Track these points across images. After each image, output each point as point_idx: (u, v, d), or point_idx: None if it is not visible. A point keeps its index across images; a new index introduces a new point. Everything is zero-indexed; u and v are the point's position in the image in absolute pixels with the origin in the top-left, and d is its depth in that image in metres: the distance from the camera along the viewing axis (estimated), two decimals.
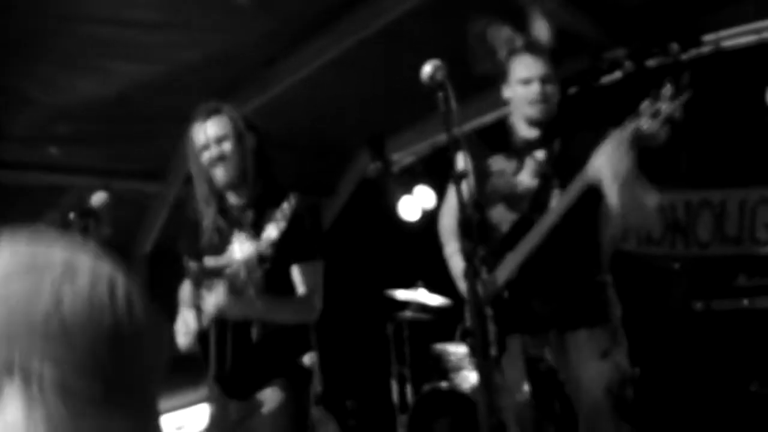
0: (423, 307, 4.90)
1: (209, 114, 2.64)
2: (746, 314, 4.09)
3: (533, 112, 2.73)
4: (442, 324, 4.81)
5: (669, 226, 4.69)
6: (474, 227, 2.12)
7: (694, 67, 3.96)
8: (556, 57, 2.77)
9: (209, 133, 2.62)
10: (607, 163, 2.45)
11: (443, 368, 4.53)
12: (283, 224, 2.32)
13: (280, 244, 2.41)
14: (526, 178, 2.76)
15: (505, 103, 2.87)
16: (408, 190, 5.70)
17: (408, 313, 4.94)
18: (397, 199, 5.71)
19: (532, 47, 2.74)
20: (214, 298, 2.44)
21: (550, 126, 2.76)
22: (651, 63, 4.21)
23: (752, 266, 4.24)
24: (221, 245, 2.63)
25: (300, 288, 2.61)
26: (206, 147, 2.63)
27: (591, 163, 2.50)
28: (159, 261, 5.36)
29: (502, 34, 2.79)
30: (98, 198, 2.74)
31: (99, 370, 0.69)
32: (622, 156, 2.42)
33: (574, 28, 4.02)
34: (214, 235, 2.67)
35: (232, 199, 2.70)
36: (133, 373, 0.73)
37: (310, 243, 2.63)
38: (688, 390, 4.08)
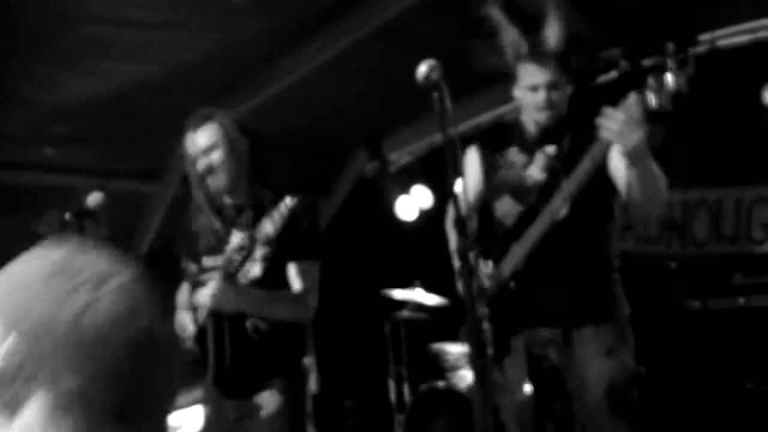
0: (420, 307, 4.90)
1: (198, 124, 2.67)
2: (742, 313, 4.10)
3: (540, 117, 2.75)
4: (439, 323, 4.82)
5: (666, 226, 4.71)
6: (468, 226, 2.12)
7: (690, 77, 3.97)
8: (565, 61, 2.76)
9: (199, 143, 2.65)
10: (619, 132, 2.35)
11: (440, 368, 4.54)
12: (279, 221, 2.33)
13: (277, 243, 2.41)
14: (536, 172, 2.78)
15: (501, 102, 2.88)
16: (405, 189, 5.70)
17: (405, 313, 4.94)
18: (395, 198, 5.71)
19: (538, 53, 2.74)
20: (209, 288, 2.45)
21: (560, 124, 2.77)
22: (647, 62, 4.22)
23: (748, 265, 4.26)
24: (219, 246, 2.64)
25: (296, 286, 2.62)
26: (197, 157, 2.66)
27: (602, 132, 2.42)
28: (155, 261, 5.36)
29: (508, 37, 2.79)
30: (94, 198, 2.74)
31: (119, 383, 0.69)
32: (633, 127, 2.33)
33: (570, 27, 4.03)
34: (212, 236, 2.68)
35: (229, 201, 2.71)
36: (151, 389, 0.73)
37: (307, 243, 2.64)
38: (684, 388, 4.09)
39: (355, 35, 4.00)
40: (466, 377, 4.37)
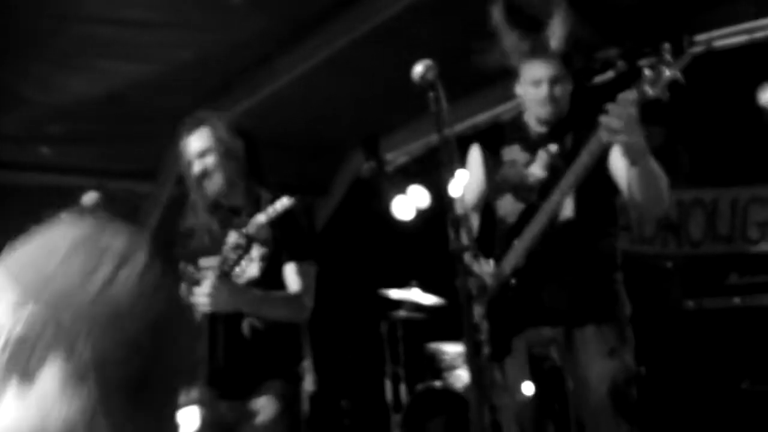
0: (417, 307, 4.90)
1: (192, 128, 2.69)
2: (738, 312, 4.12)
3: (542, 112, 2.75)
4: (436, 323, 4.83)
5: (661, 225, 4.71)
6: (464, 226, 2.12)
7: (685, 67, 3.97)
8: (568, 59, 2.77)
9: (192, 148, 2.67)
10: (617, 126, 2.30)
11: (437, 367, 4.54)
12: (273, 216, 2.34)
13: (274, 243, 2.41)
14: (537, 170, 2.78)
15: (499, 101, 2.88)
16: (402, 189, 5.71)
17: (402, 313, 4.94)
18: (391, 198, 5.72)
19: (542, 50, 2.75)
20: (204, 287, 2.45)
21: (562, 122, 2.77)
22: (643, 63, 4.23)
23: (744, 265, 4.27)
24: (215, 247, 2.64)
25: (292, 286, 2.62)
26: (192, 161, 2.68)
27: (601, 127, 2.37)
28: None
29: (509, 40, 2.80)
30: (90, 198, 2.74)
31: (136, 357, 0.71)
32: (631, 122, 2.29)
33: (570, 28, 4.04)
34: (208, 237, 2.69)
35: (225, 202, 2.72)
36: (166, 365, 0.74)
37: (305, 243, 2.65)
38: (680, 388, 4.10)
39: (351, 35, 4.00)
40: (462, 377, 4.38)
